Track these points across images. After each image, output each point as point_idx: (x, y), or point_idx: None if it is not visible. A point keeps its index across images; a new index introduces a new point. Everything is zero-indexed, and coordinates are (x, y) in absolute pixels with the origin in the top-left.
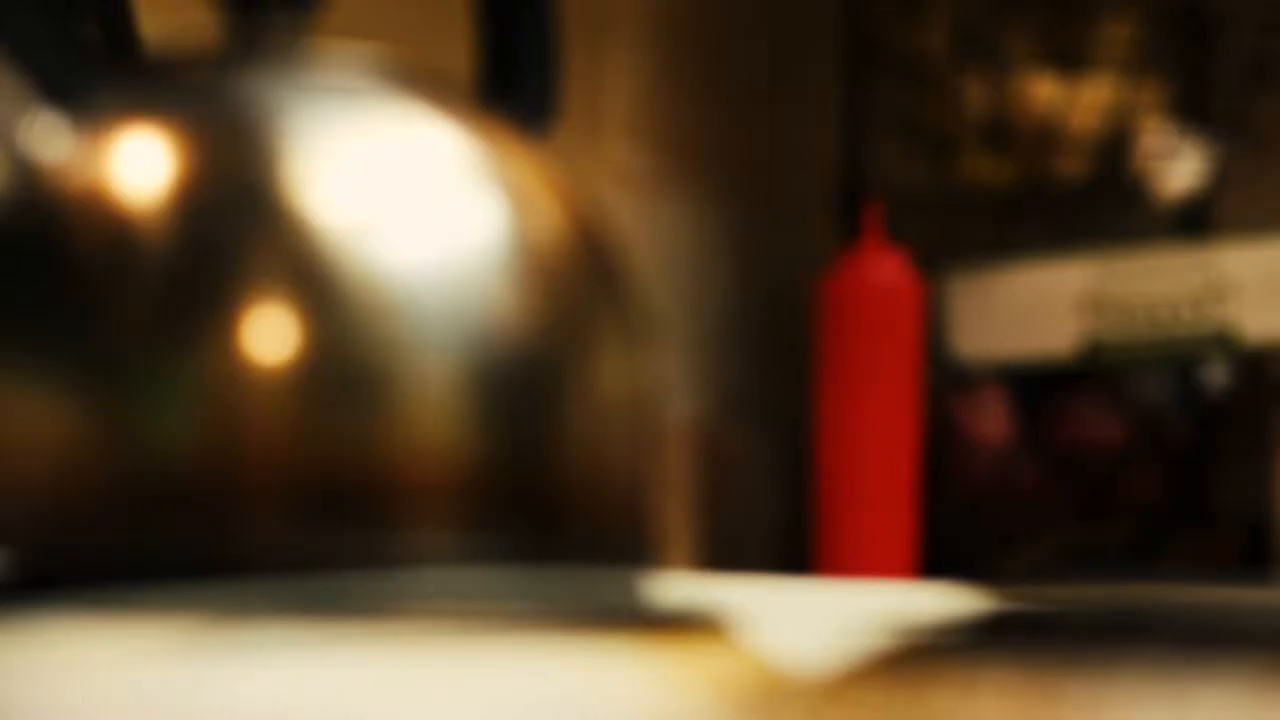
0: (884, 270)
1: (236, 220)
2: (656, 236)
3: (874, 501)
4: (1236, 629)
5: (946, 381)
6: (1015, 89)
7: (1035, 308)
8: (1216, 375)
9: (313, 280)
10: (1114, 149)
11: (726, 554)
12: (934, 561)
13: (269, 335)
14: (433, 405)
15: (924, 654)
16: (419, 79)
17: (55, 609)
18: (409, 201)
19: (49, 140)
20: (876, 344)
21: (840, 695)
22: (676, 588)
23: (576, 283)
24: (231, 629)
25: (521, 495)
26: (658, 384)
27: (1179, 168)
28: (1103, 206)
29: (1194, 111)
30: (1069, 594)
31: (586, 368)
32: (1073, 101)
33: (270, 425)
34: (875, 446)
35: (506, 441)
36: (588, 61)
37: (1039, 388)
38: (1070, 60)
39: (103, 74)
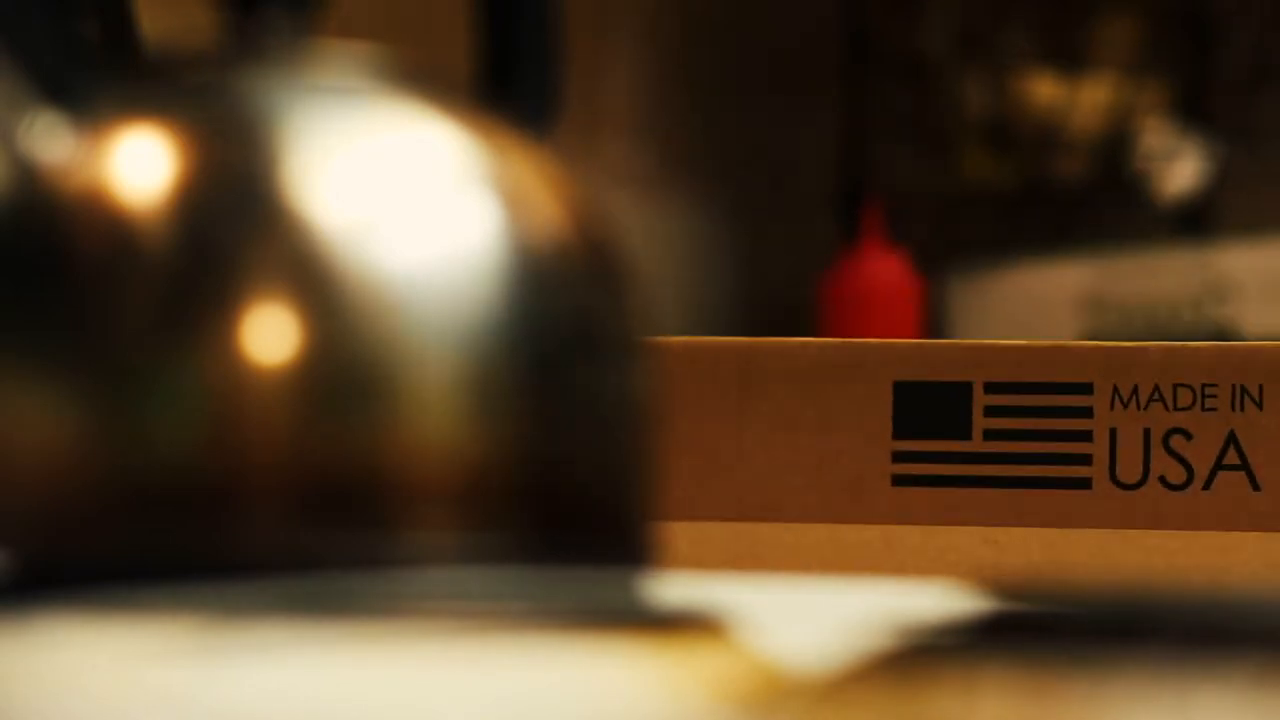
0: (884, 270)
1: (236, 220)
2: (656, 236)
3: None
4: (1236, 629)
5: None
6: (1015, 89)
7: (1035, 308)
8: None
9: (313, 280)
10: (1114, 149)
11: None
12: None
13: (269, 335)
14: (433, 405)
15: (924, 654)
16: (419, 79)
17: (55, 609)
18: (409, 201)
19: (49, 140)
20: None
21: (840, 695)
22: (676, 588)
23: (576, 283)
24: (231, 629)
25: (521, 495)
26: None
27: (1179, 168)
28: (1103, 206)
29: (1194, 111)
30: (1069, 594)
31: (586, 368)
32: (1073, 101)
33: (270, 425)
34: None
35: (506, 441)
36: (588, 61)
37: None
38: (1070, 60)
39: (103, 74)
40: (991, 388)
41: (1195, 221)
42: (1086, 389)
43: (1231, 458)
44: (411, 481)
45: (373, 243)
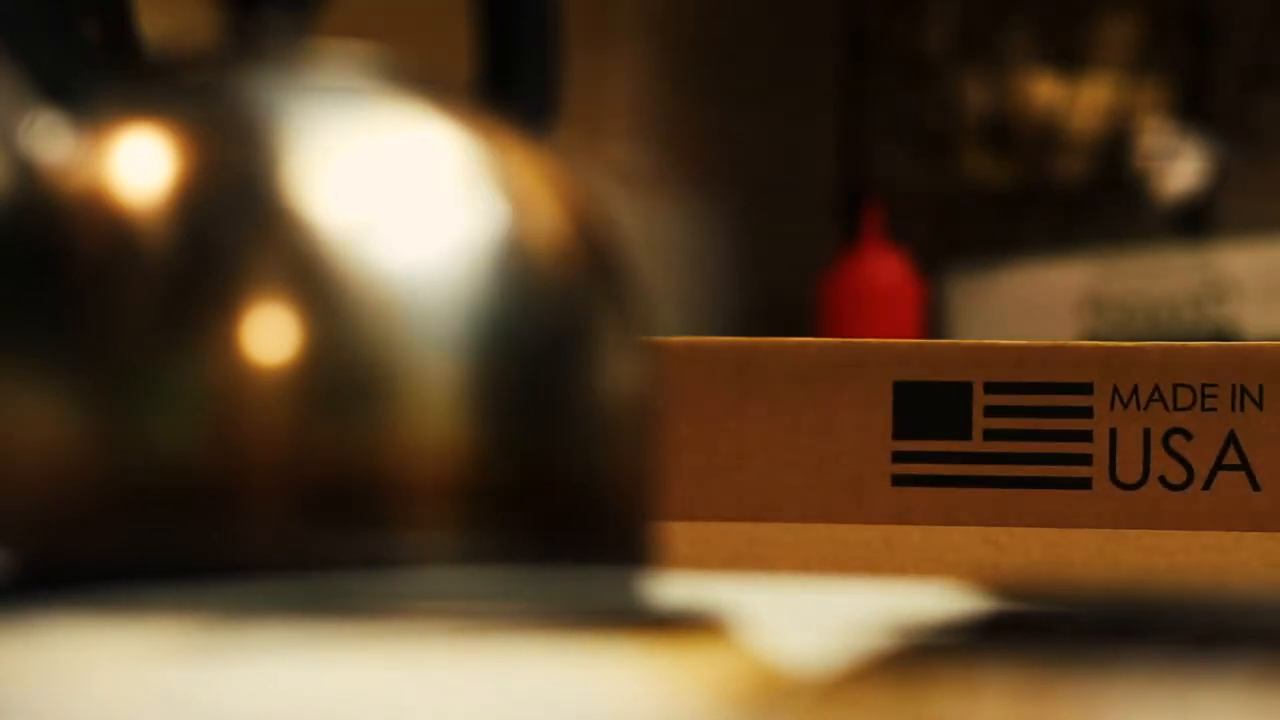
0: (884, 270)
1: (236, 220)
2: (656, 236)
3: None
4: (1236, 629)
5: None
6: (1015, 89)
7: (1035, 308)
8: None
9: (313, 280)
10: (1114, 149)
11: None
12: None
13: (269, 335)
14: (433, 405)
15: (924, 654)
16: (419, 79)
17: (55, 609)
18: (409, 201)
19: (49, 140)
20: None
21: (840, 695)
22: (676, 588)
23: (576, 283)
24: (231, 629)
25: (521, 495)
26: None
27: (1179, 168)
28: (1103, 206)
29: (1194, 111)
30: (1069, 594)
31: (586, 367)
32: (1073, 101)
33: (270, 425)
34: None
35: (506, 441)
36: (588, 61)
37: None
38: (1070, 60)
39: (103, 74)
40: (991, 388)
41: (1195, 221)
42: (1086, 389)
43: (1231, 458)
44: (411, 481)
45: (373, 243)
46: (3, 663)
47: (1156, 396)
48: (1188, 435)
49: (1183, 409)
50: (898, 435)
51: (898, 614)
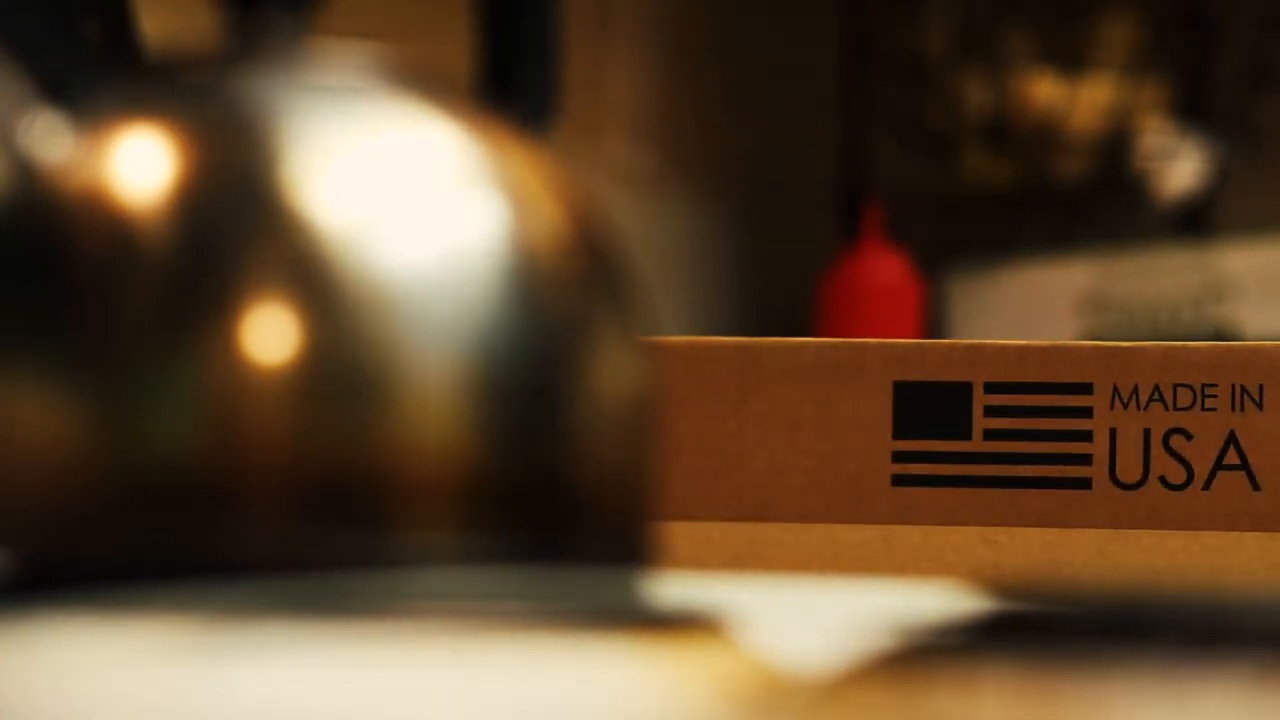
0: (884, 270)
1: (236, 220)
2: (656, 236)
3: None
4: (1236, 629)
5: None
6: (1015, 89)
7: (1035, 308)
8: None
9: (313, 280)
10: (1114, 149)
11: None
12: None
13: (269, 335)
14: (433, 405)
15: (924, 654)
16: (419, 79)
17: (55, 609)
18: (409, 201)
19: (49, 140)
20: None
21: (840, 695)
22: (676, 588)
23: (576, 283)
24: (231, 629)
25: (521, 495)
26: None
27: (1179, 168)
28: (1103, 206)
29: (1194, 111)
30: (1069, 594)
31: (586, 368)
32: (1073, 101)
33: (270, 425)
34: None
35: (506, 441)
36: (589, 61)
37: None
38: (1070, 60)
39: (103, 74)
40: (991, 388)
41: (1195, 221)
42: (1086, 389)
43: (1231, 458)
44: (411, 481)
45: (373, 243)
46: (3, 663)
47: (1156, 396)
48: (1188, 435)
49: (1183, 409)
50: (898, 435)
51: (898, 614)
